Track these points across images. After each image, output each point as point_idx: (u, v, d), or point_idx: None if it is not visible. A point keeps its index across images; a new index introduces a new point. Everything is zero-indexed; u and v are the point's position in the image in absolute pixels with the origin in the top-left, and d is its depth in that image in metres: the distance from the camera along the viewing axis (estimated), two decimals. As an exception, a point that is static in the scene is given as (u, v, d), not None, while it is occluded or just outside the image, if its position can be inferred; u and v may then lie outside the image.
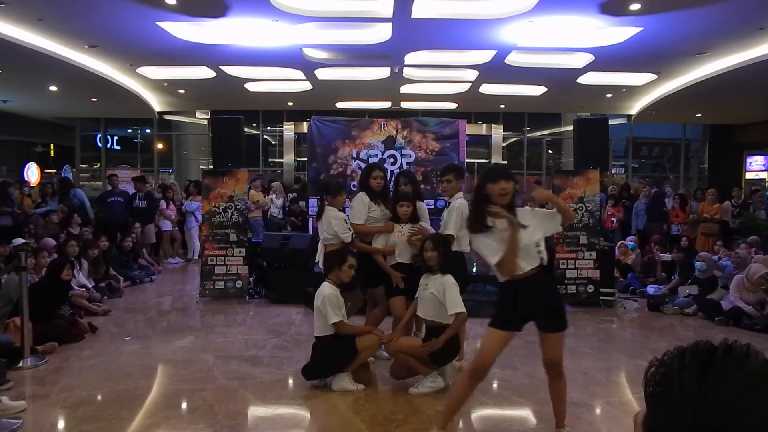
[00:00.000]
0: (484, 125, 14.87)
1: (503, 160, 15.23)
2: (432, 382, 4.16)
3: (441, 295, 4.08)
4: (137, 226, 9.37)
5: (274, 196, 11.06)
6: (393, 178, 5.76)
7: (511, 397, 4.22)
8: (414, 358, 4.18)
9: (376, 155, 9.45)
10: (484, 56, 9.29)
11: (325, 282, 4.28)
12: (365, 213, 4.79)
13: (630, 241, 9.06)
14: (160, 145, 16.37)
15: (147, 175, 13.65)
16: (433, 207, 6.39)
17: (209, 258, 7.28)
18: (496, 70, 9.91)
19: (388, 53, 9.05)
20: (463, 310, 4.09)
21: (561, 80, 10.64)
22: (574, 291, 7.01)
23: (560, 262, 7.01)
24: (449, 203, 4.64)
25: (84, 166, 16.72)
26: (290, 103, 13.89)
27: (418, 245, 4.46)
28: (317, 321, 4.23)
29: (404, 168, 9.33)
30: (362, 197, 4.83)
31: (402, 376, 4.31)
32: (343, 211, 5.10)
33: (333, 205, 4.92)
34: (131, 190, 10.39)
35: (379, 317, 4.87)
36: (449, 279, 4.12)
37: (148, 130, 16.34)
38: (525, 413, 4.05)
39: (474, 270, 6.56)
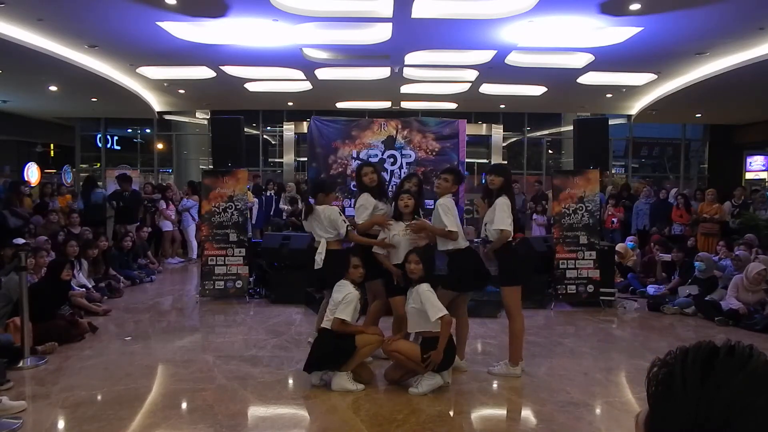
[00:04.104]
0: (484, 125, 14.86)
1: (503, 160, 15.22)
2: (430, 379, 4.15)
3: (419, 304, 4.11)
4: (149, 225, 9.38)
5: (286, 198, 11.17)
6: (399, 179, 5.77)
7: (511, 397, 4.23)
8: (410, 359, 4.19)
9: (376, 155, 9.44)
10: (484, 56, 9.28)
11: (350, 284, 4.32)
12: (370, 213, 4.83)
13: (630, 241, 9.06)
14: (160, 145, 16.35)
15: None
16: (433, 207, 6.38)
17: (209, 258, 7.28)
18: (496, 70, 9.91)
19: (388, 53, 9.05)
20: (445, 313, 4.08)
21: (561, 80, 10.63)
22: (574, 291, 7.01)
23: (560, 262, 7.01)
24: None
25: (84, 166, 16.69)
26: (290, 103, 13.88)
27: (422, 243, 4.48)
28: (329, 313, 4.25)
29: (404, 168, 9.37)
30: (368, 197, 4.89)
31: (396, 379, 4.31)
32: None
33: (325, 203, 4.96)
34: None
35: (377, 312, 4.89)
36: (423, 287, 4.15)
37: (148, 130, 16.31)
38: (525, 413, 4.04)
39: None
